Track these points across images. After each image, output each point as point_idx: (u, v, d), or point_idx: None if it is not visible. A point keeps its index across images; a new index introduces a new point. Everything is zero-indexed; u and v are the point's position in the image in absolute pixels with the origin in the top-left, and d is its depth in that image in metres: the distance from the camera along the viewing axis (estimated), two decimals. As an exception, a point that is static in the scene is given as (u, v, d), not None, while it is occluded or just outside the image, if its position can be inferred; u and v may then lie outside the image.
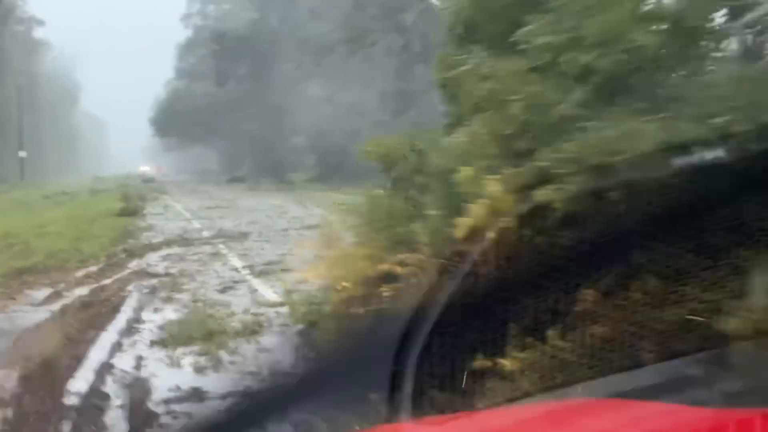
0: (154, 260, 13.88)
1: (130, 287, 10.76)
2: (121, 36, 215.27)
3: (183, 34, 78.59)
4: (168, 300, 9.92)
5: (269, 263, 12.59)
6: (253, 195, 37.36)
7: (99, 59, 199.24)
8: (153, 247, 15.64)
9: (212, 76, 70.99)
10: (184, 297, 10.06)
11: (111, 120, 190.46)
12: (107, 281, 11.42)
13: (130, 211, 25.15)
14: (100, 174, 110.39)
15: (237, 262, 13.08)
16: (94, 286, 10.93)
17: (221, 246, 15.68)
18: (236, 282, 11.18)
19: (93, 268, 12.78)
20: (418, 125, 43.78)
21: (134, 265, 13.34)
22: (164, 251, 15.08)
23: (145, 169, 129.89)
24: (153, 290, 10.58)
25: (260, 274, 11.65)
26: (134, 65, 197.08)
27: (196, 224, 20.78)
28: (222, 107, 70.49)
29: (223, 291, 10.48)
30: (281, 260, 12.50)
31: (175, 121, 74.82)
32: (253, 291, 10.43)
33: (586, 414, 2.00)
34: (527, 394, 3.45)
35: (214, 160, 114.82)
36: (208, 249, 15.25)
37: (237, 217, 22.41)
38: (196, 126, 74.81)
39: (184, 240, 16.79)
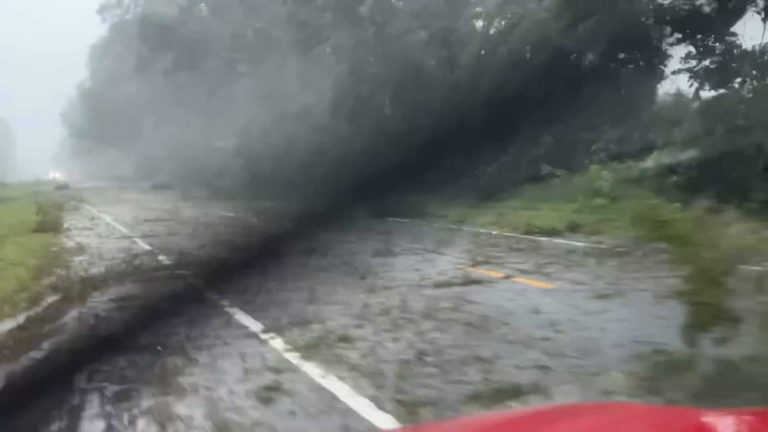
0: (104, 308, 8.84)
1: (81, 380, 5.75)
2: (30, 35, 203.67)
3: (99, 30, 71.86)
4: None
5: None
6: (193, 204, 32.09)
7: (4, 59, 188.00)
8: (95, 283, 10.49)
9: (131, 75, 64.95)
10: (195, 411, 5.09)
11: (18, 124, 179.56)
12: (32, 363, 6.37)
13: (51, 226, 19.74)
14: (5, 180, 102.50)
15: (247, 320, 8.07)
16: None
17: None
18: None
19: (6, 327, 7.71)
20: (373, 136, 39.69)
21: (74, 318, 8.31)
22: (114, 290, 10.01)
23: (56, 175, 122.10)
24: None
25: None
26: (44, 67, 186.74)
27: (143, 244, 15.64)
28: (141, 108, 64.49)
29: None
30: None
31: (88, 123, 68.13)
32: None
33: (573, 417, 2.00)
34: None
35: (129, 166, 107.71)
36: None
37: (194, 235, 17.35)
38: (112, 129, 68.35)
39: (139, 271, 11.68)
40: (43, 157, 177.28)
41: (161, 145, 78.00)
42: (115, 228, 20.12)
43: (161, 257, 13.20)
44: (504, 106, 31.93)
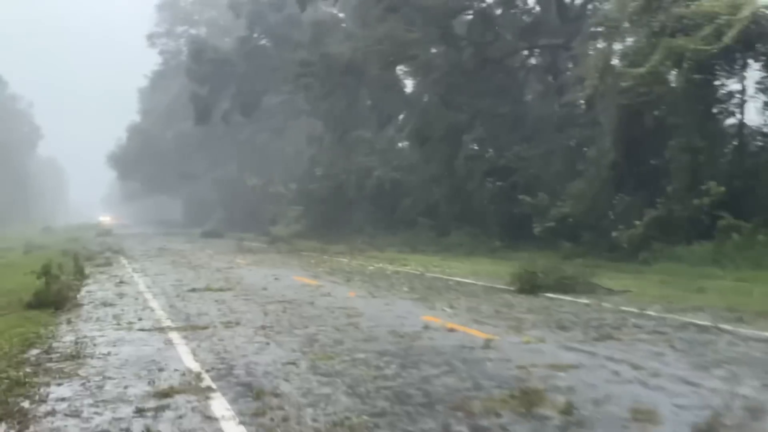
0: None
1: None
2: (84, 77, 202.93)
3: (151, 62, 66.21)
4: None
5: None
6: (252, 260, 25.34)
7: (59, 102, 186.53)
8: None
9: (181, 114, 59.27)
10: None
11: (71, 167, 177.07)
12: None
13: (55, 297, 13.03)
14: (53, 224, 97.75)
15: None
16: None
17: None
18: None
19: None
20: (468, 178, 32.51)
21: None
22: None
23: (105, 219, 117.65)
24: None
25: None
26: (98, 107, 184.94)
27: (185, 352, 8.68)
28: (193, 149, 58.61)
29: None
30: None
31: (137, 165, 62.32)
32: None
33: None
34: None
35: (178, 209, 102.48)
36: None
37: (273, 327, 10.37)
38: (161, 171, 62.37)
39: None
40: (94, 199, 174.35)
41: (212, 189, 72.04)
42: (147, 304, 13.26)
43: (218, 403, 6.20)
44: (646, 143, 24.73)
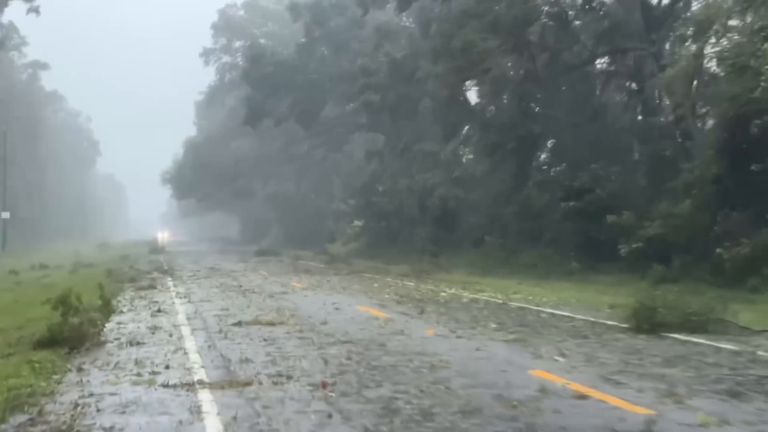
0: None
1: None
2: (141, 93, 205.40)
3: (207, 77, 64.64)
4: None
5: None
6: (309, 283, 22.86)
7: (116, 119, 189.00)
8: None
9: (237, 129, 57.54)
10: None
11: (130, 183, 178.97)
12: None
13: (69, 335, 10.66)
14: (111, 240, 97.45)
15: None
16: None
17: None
18: None
19: None
20: (544, 192, 29.57)
21: None
22: None
23: (162, 235, 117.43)
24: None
25: None
26: (157, 125, 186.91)
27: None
28: (250, 164, 56.77)
29: None
30: None
31: (193, 182, 60.74)
32: None
33: None
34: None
35: (234, 227, 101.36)
36: None
37: (342, 388, 7.77)
38: (217, 188, 60.68)
39: None
40: (152, 216, 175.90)
41: (269, 206, 70.33)
42: (182, 344, 10.86)
43: None
44: (754, 153, 21.59)
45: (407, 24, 40.36)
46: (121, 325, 12.99)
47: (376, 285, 22.32)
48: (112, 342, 11.11)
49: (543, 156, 33.77)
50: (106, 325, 12.51)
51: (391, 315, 14.29)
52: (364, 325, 12.84)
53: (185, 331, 12.26)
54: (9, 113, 63.30)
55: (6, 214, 50.33)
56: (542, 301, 17.01)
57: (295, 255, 43.46)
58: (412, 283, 22.70)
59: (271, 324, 12.91)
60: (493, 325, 12.74)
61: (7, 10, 54.65)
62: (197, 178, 58.78)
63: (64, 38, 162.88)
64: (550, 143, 34.73)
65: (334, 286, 21.72)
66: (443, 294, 19.01)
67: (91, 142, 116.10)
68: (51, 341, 10.57)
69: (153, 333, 12.06)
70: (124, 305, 16.53)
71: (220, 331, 12.14)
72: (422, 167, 41.94)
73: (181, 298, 18.34)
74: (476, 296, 18.30)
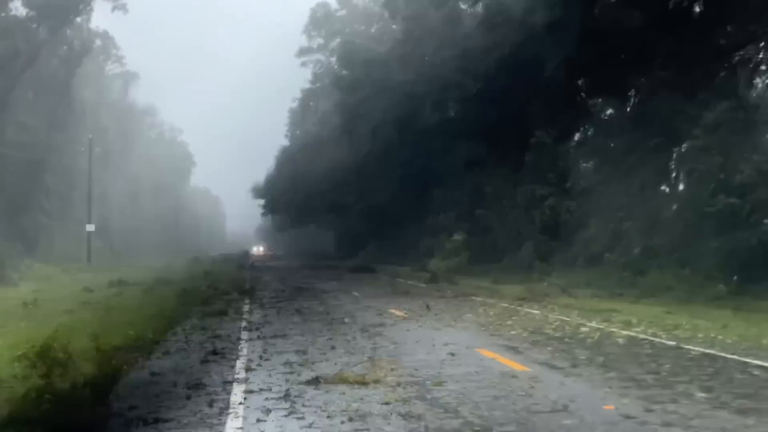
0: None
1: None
2: (240, 107, 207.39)
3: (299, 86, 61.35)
4: None
5: None
6: (412, 308, 18.74)
7: (211, 131, 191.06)
8: None
9: (331, 138, 54.32)
10: None
11: (226, 196, 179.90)
12: None
13: (49, 409, 6.90)
14: (205, 253, 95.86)
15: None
16: None
17: None
18: None
19: None
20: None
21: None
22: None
23: (257, 249, 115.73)
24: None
25: None
26: (252, 138, 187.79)
27: None
28: (345, 175, 53.21)
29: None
30: None
31: (285, 195, 57.69)
32: None
33: None
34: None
35: (330, 240, 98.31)
36: None
37: None
38: (310, 200, 57.38)
39: None
40: (249, 229, 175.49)
41: (364, 219, 66.59)
42: (221, 422, 6.95)
43: None
44: None
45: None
46: (153, 380, 9.22)
47: (492, 313, 18.09)
48: (115, 416, 7.28)
49: (684, 155, 28.62)
50: (131, 377, 8.76)
51: (533, 368, 10.01)
52: (499, 388, 8.63)
53: (234, 394, 8.34)
54: (98, 124, 62.04)
55: (91, 227, 48.40)
56: (725, 342, 12.43)
57: (393, 272, 39.63)
58: (536, 311, 18.36)
59: (362, 382, 8.86)
60: (700, 394, 8.31)
61: (104, 20, 53.50)
62: (289, 192, 55.66)
63: (165, 62, 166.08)
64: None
65: (441, 315, 17.61)
66: (584, 329, 14.58)
67: (186, 155, 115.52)
68: (24, 416, 6.82)
69: (188, 397, 8.19)
70: (176, 341, 12.89)
71: (286, 395, 8.18)
72: (528, 174, 37.63)
73: (250, 330, 14.60)
74: (629, 333, 13.83)
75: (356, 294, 24.72)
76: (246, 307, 19.66)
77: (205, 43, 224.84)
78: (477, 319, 16.73)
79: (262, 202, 60.32)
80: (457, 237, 47.05)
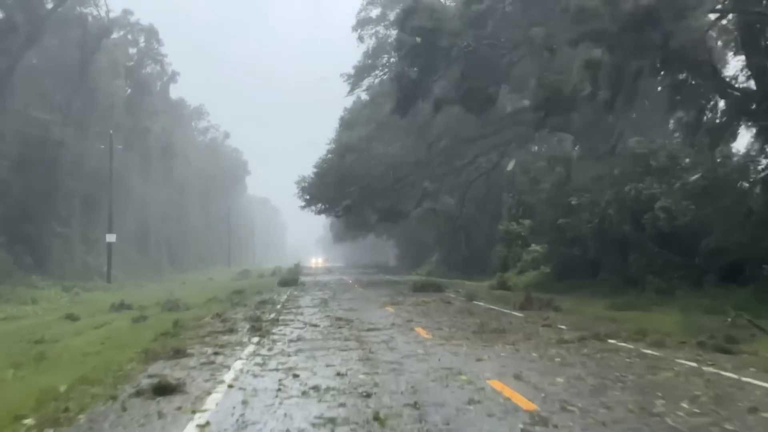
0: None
1: None
2: (297, 113, 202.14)
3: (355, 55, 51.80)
4: None
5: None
6: (524, 372, 9.60)
7: (267, 137, 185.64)
8: None
9: (387, 129, 45.53)
10: None
11: (286, 207, 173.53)
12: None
13: None
14: (259, 266, 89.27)
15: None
16: None
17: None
18: None
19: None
20: None
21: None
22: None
23: (316, 261, 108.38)
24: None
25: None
26: (307, 143, 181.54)
27: None
28: (402, 174, 44.26)
29: None
30: None
31: (335, 197, 48.99)
32: None
33: None
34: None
35: (391, 251, 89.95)
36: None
37: None
38: (363, 204, 48.54)
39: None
40: (310, 240, 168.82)
41: (426, 227, 57.46)
42: None
43: None
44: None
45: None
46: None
47: (679, 390, 8.91)
48: None
49: None
50: None
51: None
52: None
53: None
54: (137, 124, 54.63)
55: (112, 237, 40.57)
56: None
57: (466, 290, 30.58)
58: (709, 368, 9.30)
59: None
60: None
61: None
62: (338, 192, 46.97)
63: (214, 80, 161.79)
64: None
65: (579, 390, 8.64)
66: None
67: (239, 162, 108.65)
68: None
69: None
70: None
71: None
72: (630, 172, 28.50)
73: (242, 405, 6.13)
74: None
75: (421, 330, 15.77)
76: (232, 370, 10.83)
77: (259, 60, 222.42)
78: (659, 407, 7.69)
79: (316, 207, 51.39)
80: (535, 248, 38.88)
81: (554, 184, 37.74)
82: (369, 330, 16.08)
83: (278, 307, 23.51)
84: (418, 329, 16.16)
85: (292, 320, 18.79)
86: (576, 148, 42.73)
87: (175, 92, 76.32)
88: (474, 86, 30.27)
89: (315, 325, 17.32)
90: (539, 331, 15.58)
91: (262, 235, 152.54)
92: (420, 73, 30.83)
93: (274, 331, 16.24)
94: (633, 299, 22.84)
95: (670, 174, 27.74)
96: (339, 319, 18.84)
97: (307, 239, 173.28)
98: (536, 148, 48.89)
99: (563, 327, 16.37)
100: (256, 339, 14.74)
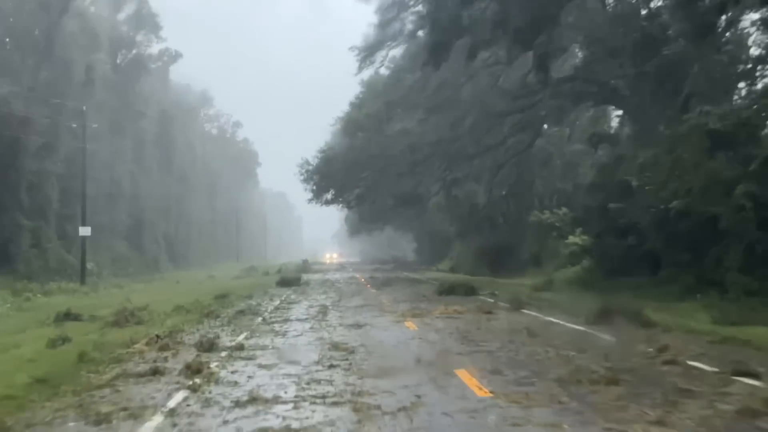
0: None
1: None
2: (316, 108, 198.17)
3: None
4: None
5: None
6: None
7: (283, 131, 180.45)
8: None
9: (408, 105, 38.80)
10: None
11: (302, 201, 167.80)
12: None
13: None
14: (269, 262, 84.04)
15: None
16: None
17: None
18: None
19: None
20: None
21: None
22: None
23: (332, 255, 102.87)
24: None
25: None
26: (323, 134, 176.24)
27: None
28: (422, 156, 37.53)
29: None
30: None
31: (342, 183, 42.50)
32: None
33: None
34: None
35: (409, 244, 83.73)
36: None
37: None
38: (378, 190, 42.02)
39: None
40: (327, 235, 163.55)
41: (447, 216, 53.07)
42: None
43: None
44: None
45: None
46: None
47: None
48: None
49: None
50: None
51: None
52: None
53: None
54: (129, 106, 48.27)
55: (86, 230, 34.06)
56: None
57: (504, 292, 23.81)
58: None
59: None
60: None
61: None
62: (348, 178, 40.51)
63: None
64: None
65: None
66: None
67: (249, 154, 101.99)
68: None
69: None
70: None
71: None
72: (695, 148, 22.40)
73: None
74: None
75: (473, 390, 8.79)
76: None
77: (271, 56, 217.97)
78: None
79: (322, 198, 44.91)
80: (575, 240, 32.89)
81: (600, 166, 31.87)
82: (378, 376, 9.33)
83: (258, 321, 16.94)
84: (463, 375, 9.37)
85: (263, 349, 12.17)
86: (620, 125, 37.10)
87: (179, 78, 70.04)
88: (524, 22, 23.70)
89: (294, 362, 10.60)
90: (669, 377, 8.84)
91: (277, 231, 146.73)
92: (451, 19, 24.34)
93: (222, 375, 9.63)
94: (733, 307, 16.48)
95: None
96: (335, 346, 12.10)
97: (323, 234, 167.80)
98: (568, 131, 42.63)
99: (701, 366, 9.61)
100: (180, 396, 8.16)
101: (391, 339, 13.19)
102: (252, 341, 13.10)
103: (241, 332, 14.49)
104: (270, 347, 12.29)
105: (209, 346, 12.04)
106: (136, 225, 52.76)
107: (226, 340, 13.20)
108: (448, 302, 20.84)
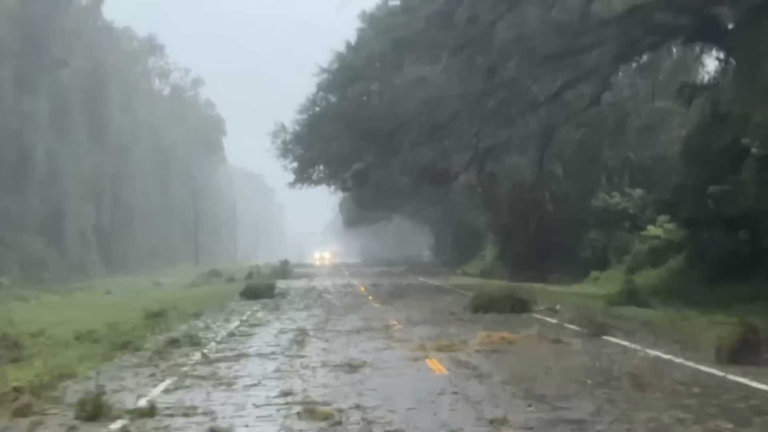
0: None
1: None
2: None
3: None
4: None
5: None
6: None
7: (254, 99, 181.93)
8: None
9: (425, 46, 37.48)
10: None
11: (284, 187, 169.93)
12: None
13: None
14: (239, 263, 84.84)
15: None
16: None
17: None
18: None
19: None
20: None
21: None
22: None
23: (322, 255, 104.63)
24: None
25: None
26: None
27: None
28: (452, 109, 36.91)
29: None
30: None
31: (335, 155, 40.97)
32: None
33: None
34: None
35: (424, 239, 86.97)
36: None
37: None
38: (384, 165, 41.21)
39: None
40: (316, 228, 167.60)
41: (477, 201, 55.24)
42: None
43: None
44: None
45: None
46: None
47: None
48: None
49: None
50: None
51: None
52: None
53: None
54: (42, 52, 46.70)
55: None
56: None
57: (569, 308, 21.27)
58: None
59: None
60: None
61: None
62: (343, 148, 38.85)
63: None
64: None
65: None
66: None
67: (213, 119, 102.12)
68: None
69: None
70: None
71: None
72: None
73: None
74: None
75: None
76: None
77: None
78: None
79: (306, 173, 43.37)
80: (654, 231, 34.76)
81: (695, 129, 31.94)
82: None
83: (196, 357, 14.42)
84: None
85: (187, 416, 9.63)
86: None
87: (117, 18, 69.44)
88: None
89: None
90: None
91: (251, 223, 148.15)
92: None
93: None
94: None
95: None
96: (310, 413, 9.27)
97: (312, 227, 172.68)
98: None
99: None
100: None
101: (406, 395, 10.47)
102: (173, 397, 10.80)
103: (164, 379, 12.28)
104: (199, 411, 9.59)
105: (95, 410, 9.47)
106: (55, 215, 52.76)
107: (130, 396, 10.71)
108: (490, 324, 18.93)
